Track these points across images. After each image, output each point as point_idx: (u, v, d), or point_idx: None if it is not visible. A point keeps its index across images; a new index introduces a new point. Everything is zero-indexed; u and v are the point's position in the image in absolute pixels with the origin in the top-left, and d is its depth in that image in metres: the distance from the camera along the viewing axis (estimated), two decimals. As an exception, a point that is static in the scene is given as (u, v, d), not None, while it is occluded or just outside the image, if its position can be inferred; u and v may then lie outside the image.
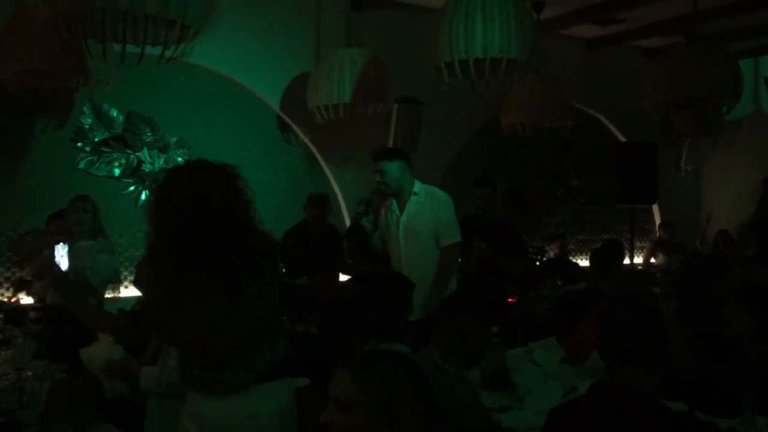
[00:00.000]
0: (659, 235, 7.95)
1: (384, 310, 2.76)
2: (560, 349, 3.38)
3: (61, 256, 3.32)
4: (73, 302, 2.93)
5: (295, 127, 5.98)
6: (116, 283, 5.03)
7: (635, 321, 1.88)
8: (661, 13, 6.50)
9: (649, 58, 7.79)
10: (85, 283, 3.83)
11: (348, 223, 6.16)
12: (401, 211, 3.89)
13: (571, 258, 7.24)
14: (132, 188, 5.33)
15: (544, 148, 7.14)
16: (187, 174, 2.05)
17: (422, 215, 3.86)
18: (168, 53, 3.24)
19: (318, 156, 6.11)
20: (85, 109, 5.13)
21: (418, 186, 3.91)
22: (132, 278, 4.36)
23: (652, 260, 7.77)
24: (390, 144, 6.11)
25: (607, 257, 4.27)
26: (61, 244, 3.51)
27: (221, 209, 1.97)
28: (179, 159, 5.49)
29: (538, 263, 6.20)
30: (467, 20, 3.75)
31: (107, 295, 4.46)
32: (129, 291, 5.05)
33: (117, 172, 5.27)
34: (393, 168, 3.83)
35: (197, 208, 1.94)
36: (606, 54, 7.64)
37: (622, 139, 7.85)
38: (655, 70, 5.30)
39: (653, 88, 5.22)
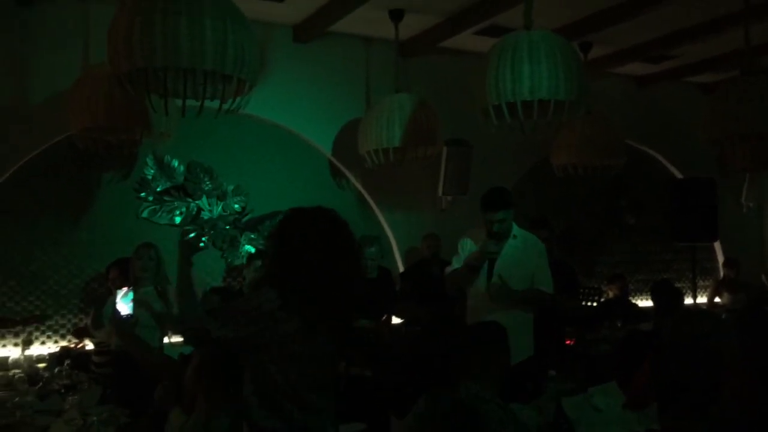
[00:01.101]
0: (723, 273, 7.67)
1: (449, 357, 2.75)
2: (621, 394, 3.28)
3: (120, 301, 3.42)
4: (133, 346, 3.00)
5: (346, 172, 6.09)
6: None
7: (687, 363, 1.81)
8: (713, 48, 6.42)
9: (703, 93, 7.67)
10: (145, 327, 3.91)
11: (401, 265, 6.18)
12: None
13: (630, 298, 7.05)
14: (192, 235, 5.49)
15: (597, 188, 7.05)
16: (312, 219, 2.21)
17: (518, 260, 3.76)
18: (225, 106, 3.38)
19: (369, 200, 6.19)
20: (148, 160, 5.36)
21: (516, 229, 3.82)
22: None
23: (717, 300, 7.48)
24: (440, 186, 6.15)
25: (666, 295, 4.15)
26: (124, 289, 3.63)
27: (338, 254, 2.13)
28: (236, 206, 5.65)
29: (595, 304, 6.06)
30: (514, 63, 3.76)
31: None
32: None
33: (178, 220, 5.46)
34: (510, 215, 3.75)
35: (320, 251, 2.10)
36: (658, 90, 7.56)
37: (679, 175, 7.68)
38: (711, 104, 5.21)
39: (709, 123, 5.13)
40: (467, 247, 3.91)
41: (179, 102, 3.34)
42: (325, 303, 2.06)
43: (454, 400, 2.24)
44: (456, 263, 3.91)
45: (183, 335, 2.22)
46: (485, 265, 3.72)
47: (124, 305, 3.36)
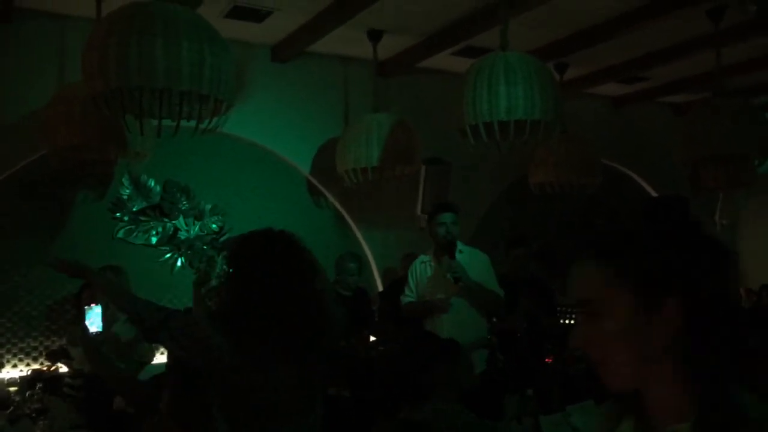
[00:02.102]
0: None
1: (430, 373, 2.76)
2: (600, 413, 3.28)
3: (91, 319, 3.36)
4: (100, 367, 2.94)
5: (325, 191, 6.09)
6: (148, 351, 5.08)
7: None
8: (685, 70, 6.56)
9: (676, 114, 7.82)
10: (116, 347, 3.88)
11: (380, 284, 6.17)
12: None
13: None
14: (168, 255, 5.43)
15: (573, 206, 7.12)
16: (262, 244, 2.10)
17: (470, 273, 3.89)
18: (202, 126, 3.38)
19: (348, 218, 6.19)
20: (123, 180, 5.28)
21: (461, 245, 3.98)
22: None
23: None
24: (419, 205, 6.17)
25: None
26: (93, 306, 3.55)
27: (293, 280, 2.02)
28: (213, 226, 5.60)
29: (573, 322, 6.08)
30: (490, 84, 3.83)
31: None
32: (164, 357, 5.09)
33: (154, 240, 5.38)
34: (457, 222, 3.97)
35: (272, 279, 1.99)
36: (633, 111, 7.69)
37: (653, 194, 7.80)
38: (683, 126, 5.32)
39: (682, 144, 5.23)
40: (416, 272, 4.13)
41: (155, 122, 3.33)
42: (285, 330, 1.97)
43: (402, 423, 2.23)
44: (409, 293, 4.12)
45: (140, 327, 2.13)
46: (437, 282, 3.95)
47: (92, 322, 3.31)
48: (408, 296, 4.12)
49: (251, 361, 1.97)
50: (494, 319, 4.40)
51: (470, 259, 3.96)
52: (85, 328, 2.83)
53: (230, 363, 1.95)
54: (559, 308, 5.91)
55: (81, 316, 4.34)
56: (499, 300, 4.05)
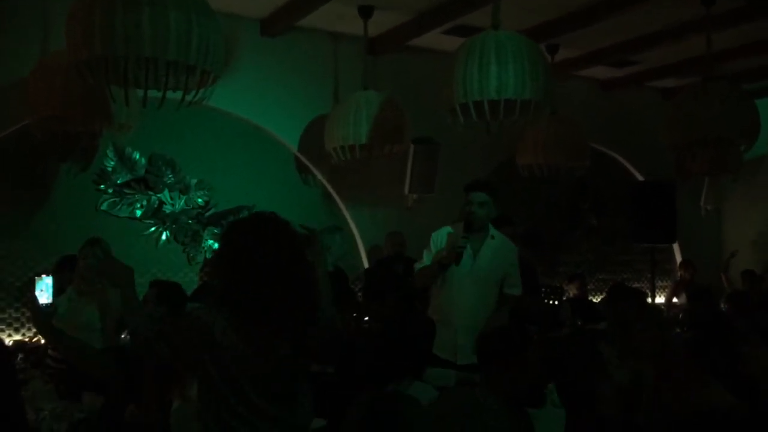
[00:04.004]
0: (680, 274, 7.84)
1: (414, 352, 2.77)
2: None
3: (41, 289, 3.34)
4: (50, 337, 2.92)
5: (312, 169, 6.06)
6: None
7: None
8: (676, 54, 6.56)
9: (665, 98, 7.83)
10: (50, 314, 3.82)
11: (366, 262, 6.17)
12: (474, 252, 3.74)
13: (590, 298, 7.16)
14: (153, 229, 5.40)
15: (561, 188, 7.15)
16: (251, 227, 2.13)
17: (497, 261, 3.77)
18: (189, 98, 3.32)
19: (335, 196, 6.16)
20: (108, 152, 5.24)
21: (493, 230, 3.82)
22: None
23: (675, 300, 7.64)
24: (407, 184, 6.15)
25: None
26: (43, 277, 3.52)
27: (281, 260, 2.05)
28: (199, 200, 5.57)
29: (556, 303, 6.13)
30: (481, 63, 3.80)
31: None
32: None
33: (138, 213, 5.35)
34: (490, 203, 3.74)
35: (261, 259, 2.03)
36: (622, 94, 7.69)
37: (641, 178, 7.83)
38: (672, 109, 5.32)
39: (670, 128, 5.24)
40: (438, 240, 3.89)
41: (141, 93, 3.28)
42: (278, 310, 2.03)
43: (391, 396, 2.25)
44: (426, 257, 3.90)
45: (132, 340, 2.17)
46: (462, 266, 3.70)
47: (42, 294, 3.29)
48: (425, 262, 3.91)
49: (246, 338, 2.01)
50: None
51: (501, 245, 3.82)
52: (35, 298, 2.80)
53: (224, 341, 1.99)
54: (543, 289, 5.96)
55: (31, 287, 4.32)
56: (512, 301, 3.88)
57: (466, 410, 2.30)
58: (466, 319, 3.63)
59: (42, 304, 3.09)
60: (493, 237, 3.79)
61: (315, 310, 2.11)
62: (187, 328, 2.06)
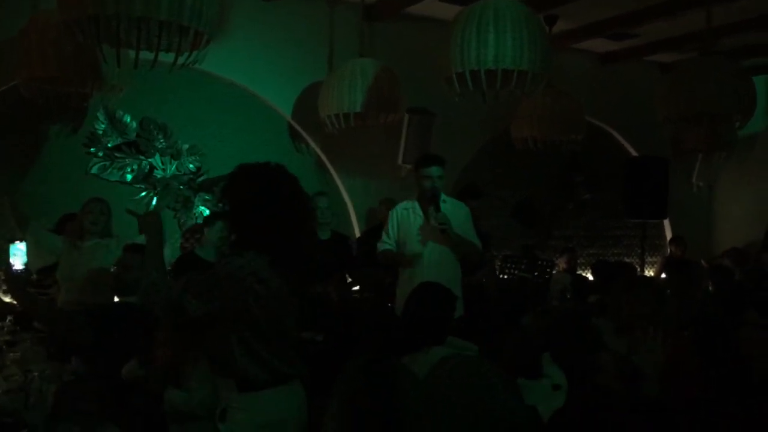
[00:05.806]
0: (670, 250, 7.89)
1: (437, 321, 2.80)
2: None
3: (16, 255, 3.34)
4: (26, 303, 3.04)
5: (306, 136, 6.00)
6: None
7: None
8: (675, 28, 6.49)
9: (663, 73, 7.78)
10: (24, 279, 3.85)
11: (358, 231, 6.16)
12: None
13: (580, 272, 7.20)
14: (143, 194, 5.36)
15: (555, 162, 7.13)
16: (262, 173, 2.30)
17: (453, 222, 3.91)
18: (181, 60, 3.27)
19: (328, 165, 6.12)
20: (98, 114, 5.17)
21: (443, 195, 3.99)
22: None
23: (664, 276, 7.70)
24: (400, 154, 6.12)
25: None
26: (17, 243, 3.52)
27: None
28: (191, 166, 5.52)
29: (547, 276, 6.16)
30: (479, 31, 3.77)
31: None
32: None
33: (129, 177, 5.30)
34: (443, 174, 3.97)
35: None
36: (619, 68, 7.63)
37: (634, 153, 7.82)
38: (668, 84, 5.28)
39: (665, 102, 5.21)
40: (396, 217, 4.10)
41: (133, 54, 3.21)
42: (294, 256, 2.19)
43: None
44: (387, 240, 4.09)
45: (154, 306, 2.17)
46: (422, 230, 3.97)
47: (16, 259, 3.30)
48: (386, 243, 4.08)
49: (286, 279, 2.17)
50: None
51: (453, 210, 3.97)
52: (9, 265, 2.82)
53: (270, 282, 2.13)
54: (539, 262, 5.99)
55: (5, 253, 4.34)
56: (479, 250, 4.08)
57: (461, 381, 2.31)
58: (432, 277, 3.71)
59: (16, 270, 3.11)
60: (444, 201, 3.97)
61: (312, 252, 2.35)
62: (227, 276, 2.09)
